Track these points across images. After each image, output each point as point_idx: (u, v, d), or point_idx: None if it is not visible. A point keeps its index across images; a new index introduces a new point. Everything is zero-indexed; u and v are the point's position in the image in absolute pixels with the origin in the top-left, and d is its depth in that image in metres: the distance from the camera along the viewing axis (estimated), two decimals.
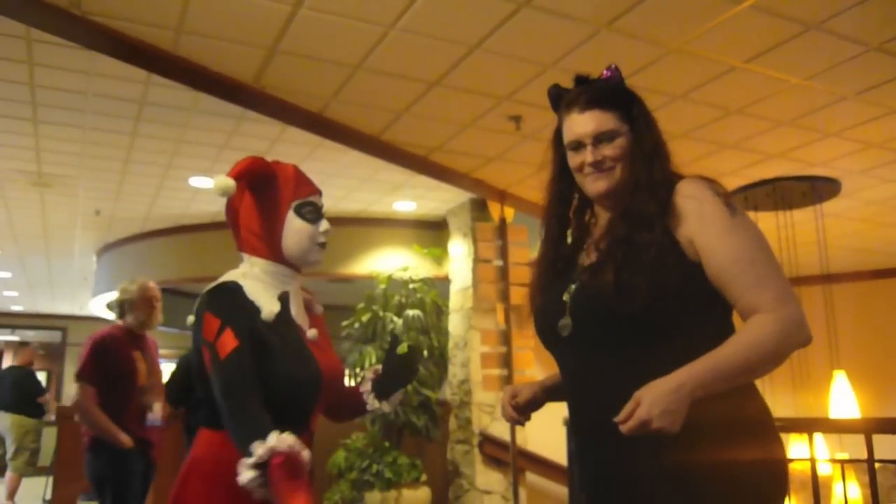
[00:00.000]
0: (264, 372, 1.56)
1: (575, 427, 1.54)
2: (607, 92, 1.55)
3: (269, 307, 1.62)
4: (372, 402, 1.92)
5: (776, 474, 1.37)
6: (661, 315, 1.38)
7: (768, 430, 1.40)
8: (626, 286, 1.38)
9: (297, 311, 1.71)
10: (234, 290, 1.63)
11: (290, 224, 1.71)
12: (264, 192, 1.71)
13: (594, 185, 1.53)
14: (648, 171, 1.48)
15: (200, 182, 6.15)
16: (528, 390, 1.67)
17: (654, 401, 1.25)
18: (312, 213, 1.74)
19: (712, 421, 1.33)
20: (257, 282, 1.67)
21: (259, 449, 1.43)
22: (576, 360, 1.51)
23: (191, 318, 1.66)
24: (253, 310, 1.61)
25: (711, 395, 1.30)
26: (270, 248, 1.71)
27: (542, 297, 1.58)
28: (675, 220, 1.42)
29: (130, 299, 3.80)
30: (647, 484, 1.37)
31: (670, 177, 1.50)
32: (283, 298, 1.69)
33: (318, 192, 1.80)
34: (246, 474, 1.43)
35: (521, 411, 1.67)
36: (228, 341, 1.52)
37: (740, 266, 1.37)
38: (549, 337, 1.54)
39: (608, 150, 1.51)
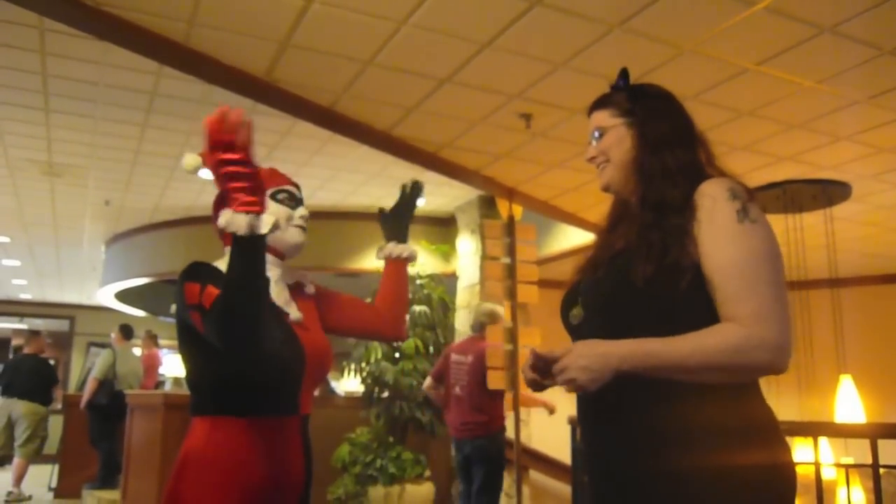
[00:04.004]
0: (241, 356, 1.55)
1: (580, 420, 1.52)
2: (613, 93, 1.57)
3: None
4: (390, 250, 2.11)
5: (784, 478, 1.33)
6: (662, 315, 1.36)
7: (773, 434, 1.36)
8: (627, 282, 1.37)
9: (277, 295, 1.72)
10: (209, 265, 1.67)
11: (267, 209, 1.74)
12: None
13: (599, 182, 1.58)
14: (658, 159, 1.46)
15: (210, 174, 6.16)
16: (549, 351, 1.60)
17: (579, 355, 1.31)
18: (289, 198, 1.81)
19: (715, 423, 1.31)
20: None
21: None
22: None
23: (174, 308, 1.67)
24: None
25: (716, 397, 1.30)
26: None
27: (570, 286, 1.58)
28: (691, 217, 1.38)
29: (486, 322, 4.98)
30: (648, 483, 1.34)
31: (692, 166, 1.46)
32: None
33: (295, 185, 1.86)
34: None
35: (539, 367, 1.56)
36: (213, 293, 1.52)
37: (726, 275, 1.32)
38: (566, 325, 1.54)
39: (601, 145, 1.54)
